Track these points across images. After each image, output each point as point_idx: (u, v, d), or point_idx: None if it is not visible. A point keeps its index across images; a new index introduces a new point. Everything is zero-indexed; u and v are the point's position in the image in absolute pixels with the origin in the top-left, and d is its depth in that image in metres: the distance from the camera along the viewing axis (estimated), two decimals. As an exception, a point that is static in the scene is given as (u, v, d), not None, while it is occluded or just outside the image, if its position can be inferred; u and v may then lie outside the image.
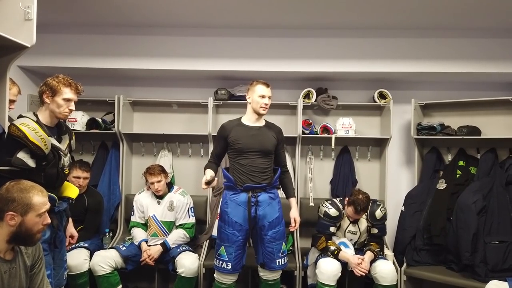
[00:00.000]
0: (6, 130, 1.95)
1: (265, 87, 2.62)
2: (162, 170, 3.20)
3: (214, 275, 2.70)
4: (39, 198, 1.64)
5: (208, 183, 2.45)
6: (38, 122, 2.02)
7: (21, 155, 1.92)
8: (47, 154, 2.00)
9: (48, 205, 1.69)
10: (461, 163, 3.28)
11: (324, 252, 2.93)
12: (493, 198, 2.94)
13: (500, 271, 2.76)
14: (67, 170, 2.18)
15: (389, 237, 3.46)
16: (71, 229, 2.42)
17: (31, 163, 1.95)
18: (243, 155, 2.59)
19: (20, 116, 2.06)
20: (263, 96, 2.60)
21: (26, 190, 1.61)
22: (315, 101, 3.54)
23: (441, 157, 3.49)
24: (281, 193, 2.89)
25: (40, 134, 1.95)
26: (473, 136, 3.24)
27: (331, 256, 2.89)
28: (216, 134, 2.78)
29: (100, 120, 3.60)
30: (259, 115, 2.65)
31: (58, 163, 2.09)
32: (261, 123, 2.70)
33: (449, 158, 3.46)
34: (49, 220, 1.70)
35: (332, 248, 2.90)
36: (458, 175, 3.24)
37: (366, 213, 2.97)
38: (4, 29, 1.95)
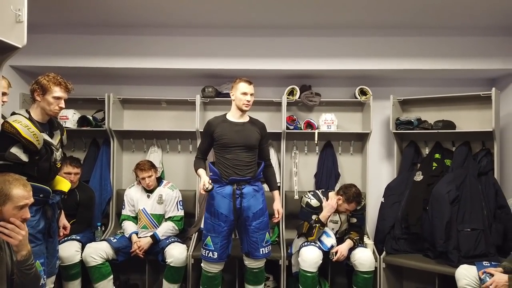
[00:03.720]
0: (0, 127, 2.06)
1: (247, 85, 2.74)
2: (152, 165, 3.32)
3: (201, 264, 2.84)
4: (20, 191, 1.68)
5: (207, 190, 2.53)
6: (30, 118, 2.14)
7: (14, 150, 2.04)
8: (39, 149, 2.11)
9: (29, 200, 1.72)
10: (437, 155, 3.43)
11: (310, 231, 3.04)
12: (466, 189, 3.09)
13: (471, 257, 2.88)
14: (59, 164, 2.30)
15: (370, 227, 3.61)
16: (63, 220, 2.54)
17: (24, 157, 2.07)
18: (228, 149, 2.72)
19: (13, 113, 2.17)
20: (245, 94, 2.72)
21: (8, 182, 1.67)
22: (298, 98, 3.67)
23: (419, 151, 3.64)
24: (265, 186, 3.03)
25: (32, 130, 2.07)
26: (448, 130, 3.39)
27: (315, 224, 3.02)
28: (202, 130, 2.91)
29: (91, 118, 3.69)
30: (242, 111, 2.77)
31: (51, 157, 2.21)
32: (245, 119, 2.83)
33: (426, 151, 3.61)
34: (28, 215, 1.73)
35: (314, 217, 3.04)
36: (434, 167, 3.40)
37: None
38: (-5, 31, 2.06)
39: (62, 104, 2.22)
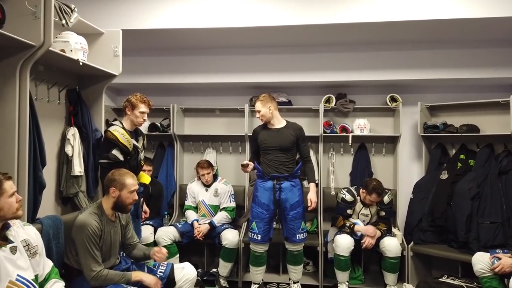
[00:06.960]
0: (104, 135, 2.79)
1: (256, 103, 3.32)
2: (210, 164, 3.97)
3: (250, 245, 3.41)
4: (131, 180, 2.36)
5: (243, 165, 3.20)
6: (123, 128, 2.84)
7: (115, 152, 2.74)
8: (131, 151, 2.81)
9: (136, 187, 2.40)
10: (462, 156, 3.75)
11: (342, 229, 3.54)
12: (487, 186, 3.41)
13: (490, 247, 3.16)
14: (143, 162, 3.00)
15: (400, 221, 4.01)
16: (144, 206, 3.25)
17: (121, 157, 2.77)
18: (267, 152, 3.29)
19: (110, 124, 2.88)
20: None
21: (123, 175, 2.36)
22: (334, 105, 4.14)
23: (446, 152, 3.97)
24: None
25: (126, 137, 2.77)
26: (472, 133, 3.70)
27: (348, 229, 3.50)
28: (251, 134, 3.50)
29: (159, 124, 4.42)
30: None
31: (137, 157, 2.90)
32: (282, 124, 3.35)
33: (453, 152, 3.93)
34: (136, 197, 2.40)
35: (348, 223, 3.53)
36: (459, 167, 3.71)
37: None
38: (101, 63, 2.80)
39: (146, 117, 2.91)
